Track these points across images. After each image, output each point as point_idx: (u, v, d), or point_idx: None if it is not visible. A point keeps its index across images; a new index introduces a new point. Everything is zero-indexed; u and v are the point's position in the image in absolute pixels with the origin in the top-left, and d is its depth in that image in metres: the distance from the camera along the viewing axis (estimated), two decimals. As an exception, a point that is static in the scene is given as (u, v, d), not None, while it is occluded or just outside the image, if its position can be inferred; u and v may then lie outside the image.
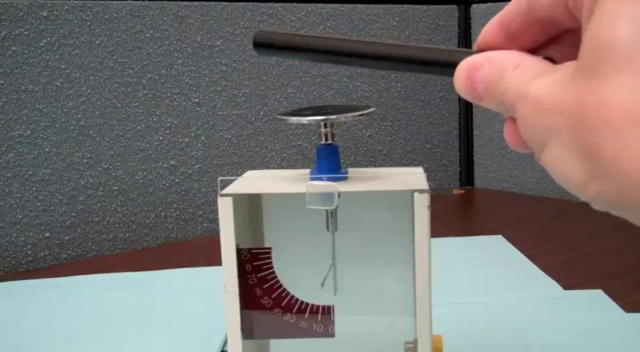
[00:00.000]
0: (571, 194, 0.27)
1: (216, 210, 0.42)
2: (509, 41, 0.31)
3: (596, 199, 0.25)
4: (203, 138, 1.12)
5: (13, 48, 0.96)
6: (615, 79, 0.23)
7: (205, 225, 1.14)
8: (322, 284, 0.47)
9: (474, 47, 0.32)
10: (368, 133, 1.30)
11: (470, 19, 1.39)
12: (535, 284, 0.78)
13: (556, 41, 0.31)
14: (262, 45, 0.38)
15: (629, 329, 0.65)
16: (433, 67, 0.32)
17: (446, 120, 1.40)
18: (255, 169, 0.52)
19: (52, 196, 1.01)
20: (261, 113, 1.17)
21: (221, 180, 0.44)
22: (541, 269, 0.82)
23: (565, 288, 0.75)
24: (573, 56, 0.26)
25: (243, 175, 0.49)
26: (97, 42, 1.02)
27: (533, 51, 0.31)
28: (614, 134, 0.23)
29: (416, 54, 0.33)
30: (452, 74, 0.31)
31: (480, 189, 1.41)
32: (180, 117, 1.10)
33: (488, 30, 0.31)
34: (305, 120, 0.44)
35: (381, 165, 1.30)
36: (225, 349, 0.46)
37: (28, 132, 0.98)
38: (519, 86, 0.27)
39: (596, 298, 0.72)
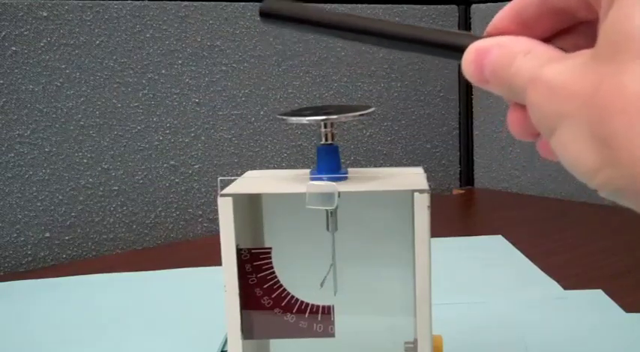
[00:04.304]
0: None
1: (216, 210, 0.42)
2: (522, 29, 0.31)
3: (605, 186, 0.25)
4: (203, 138, 1.12)
5: (13, 48, 0.96)
6: (634, 67, 0.23)
7: (205, 225, 1.14)
8: (322, 284, 0.47)
9: (485, 33, 0.32)
10: (368, 133, 1.30)
11: (470, 19, 1.39)
12: (535, 284, 0.78)
13: (568, 32, 0.31)
14: (269, 15, 0.37)
15: (629, 329, 0.65)
16: (441, 49, 0.32)
17: (446, 120, 1.40)
18: (255, 169, 0.52)
19: (52, 196, 1.01)
20: (261, 113, 1.17)
21: (221, 180, 0.44)
22: (541, 269, 0.82)
23: (565, 288, 0.75)
24: (585, 48, 0.26)
25: (243, 175, 0.49)
26: (97, 42, 1.02)
27: (545, 41, 0.31)
28: (629, 122, 0.23)
29: (425, 35, 0.32)
30: (459, 58, 0.31)
31: (480, 189, 1.41)
32: (180, 117, 1.10)
33: (500, 16, 0.31)
34: (305, 120, 0.44)
35: (381, 165, 1.30)
36: (225, 349, 0.46)
37: (28, 132, 0.98)
38: (531, 70, 0.27)
39: (596, 298, 0.72)
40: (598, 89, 0.24)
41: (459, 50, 0.31)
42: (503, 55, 0.29)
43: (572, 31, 0.31)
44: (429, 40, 0.32)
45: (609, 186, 0.25)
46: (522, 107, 0.29)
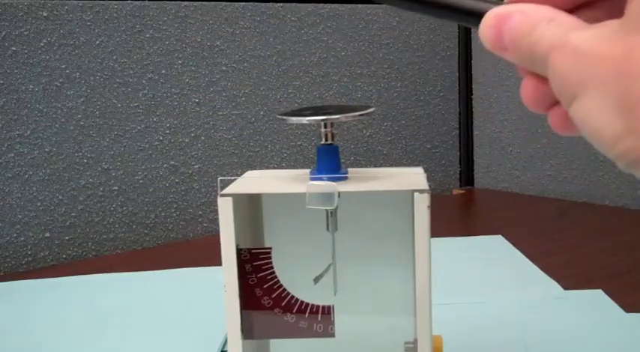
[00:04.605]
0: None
1: (216, 210, 0.42)
2: None
3: (625, 155, 0.25)
4: (203, 138, 1.12)
5: (13, 48, 0.96)
6: None
7: (205, 225, 1.14)
8: (316, 281, 0.46)
9: (505, 0, 0.31)
10: (368, 133, 1.30)
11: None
12: (535, 284, 0.78)
13: (589, 6, 0.31)
14: None
15: (629, 329, 0.65)
16: (459, 13, 0.31)
17: (446, 120, 1.40)
18: (255, 169, 0.52)
19: (52, 196, 1.01)
20: (261, 113, 1.17)
21: (221, 180, 0.44)
22: (541, 269, 0.82)
23: (565, 288, 0.75)
24: None
25: (243, 175, 0.49)
26: (97, 42, 1.02)
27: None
28: None
29: None
30: (477, 23, 0.30)
31: (480, 189, 1.41)
32: (180, 117, 1.10)
33: None
34: (305, 120, 0.44)
35: (381, 165, 1.30)
36: (225, 349, 0.46)
37: (28, 132, 0.98)
38: (554, 37, 0.27)
39: (596, 298, 0.72)
40: (627, 57, 0.24)
41: (477, 15, 0.30)
42: (524, 21, 0.29)
43: (594, 5, 0.31)
44: (446, 3, 0.31)
45: (630, 155, 0.25)
46: (537, 77, 0.29)
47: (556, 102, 0.29)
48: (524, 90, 0.30)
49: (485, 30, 0.30)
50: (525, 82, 0.30)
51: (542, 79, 0.29)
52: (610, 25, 0.26)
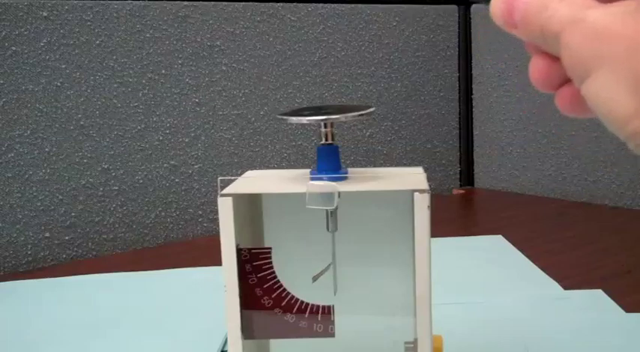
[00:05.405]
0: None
1: (216, 210, 0.42)
2: None
3: (636, 136, 0.25)
4: (203, 138, 1.12)
5: (13, 48, 0.96)
6: None
7: (205, 225, 1.14)
8: (314, 279, 0.46)
9: None
10: (368, 133, 1.30)
11: (470, 19, 1.39)
12: (535, 284, 0.78)
13: None
14: None
15: (629, 329, 0.65)
16: None
17: (446, 120, 1.40)
18: (255, 169, 0.52)
19: (52, 196, 1.01)
20: (261, 113, 1.17)
21: (221, 180, 0.44)
22: (541, 269, 0.82)
23: (565, 288, 0.75)
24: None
25: (243, 175, 0.49)
26: (97, 42, 1.02)
27: None
28: None
29: None
30: (488, 0, 0.30)
31: (480, 189, 1.41)
32: (180, 117, 1.10)
33: None
34: (305, 120, 0.44)
35: (381, 165, 1.30)
36: (225, 349, 0.46)
37: (28, 132, 0.98)
38: (569, 14, 0.27)
39: (596, 298, 0.72)
40: None
41: None
42: None
43: None
44: None
45: None
46: (546, 55, 0.29)
47: (564, 82, 0.29)
48: (533, 68, 0.30)
49: (496, 6, 0.30)
50: (534, 61, 0.30)
51: (552, 57, 0.29)
52: (626, 5, 0.26)
